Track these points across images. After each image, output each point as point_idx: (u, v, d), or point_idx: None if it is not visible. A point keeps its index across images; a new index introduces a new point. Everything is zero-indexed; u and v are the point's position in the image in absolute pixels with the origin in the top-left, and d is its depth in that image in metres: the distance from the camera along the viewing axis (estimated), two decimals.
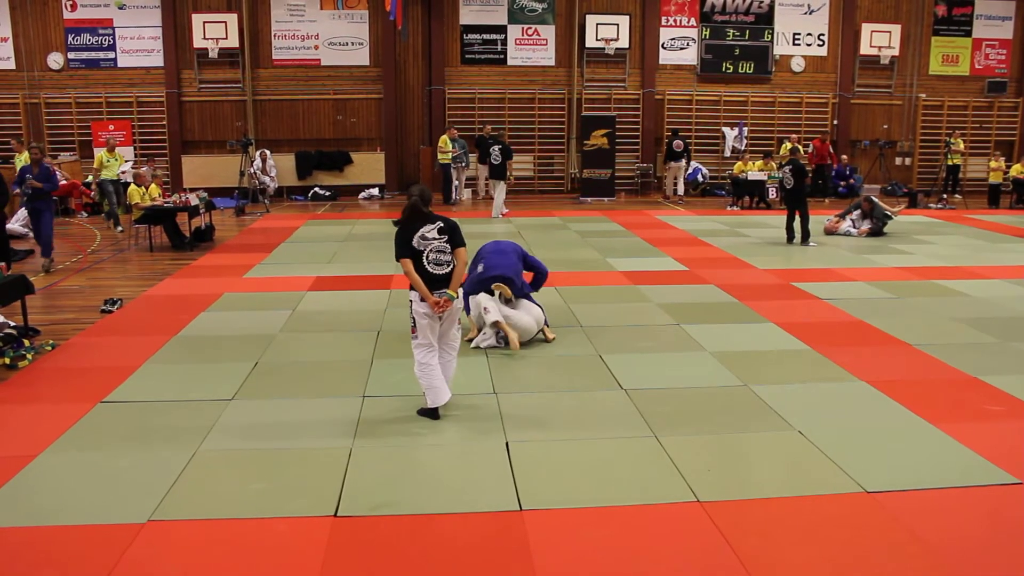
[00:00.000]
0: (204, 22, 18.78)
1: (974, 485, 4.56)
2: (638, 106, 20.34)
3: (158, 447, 5.08)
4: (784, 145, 18.28)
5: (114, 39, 19.05)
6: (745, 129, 20.43)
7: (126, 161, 16.40)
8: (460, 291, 5.59)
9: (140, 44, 19.12)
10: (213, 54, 18.94)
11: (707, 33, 20.26)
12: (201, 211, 13.28)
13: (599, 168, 19.16)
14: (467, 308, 7.23)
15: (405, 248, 5.40)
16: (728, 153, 20.44)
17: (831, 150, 19.58)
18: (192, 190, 14.28)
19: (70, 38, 18.95)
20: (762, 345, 7.31)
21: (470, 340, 7.13)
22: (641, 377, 6.40)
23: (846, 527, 4.12)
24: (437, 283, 5.37)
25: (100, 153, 15.13)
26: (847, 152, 20.78)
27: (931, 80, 21.15)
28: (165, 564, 3.81)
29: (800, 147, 15.20)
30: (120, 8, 18.95)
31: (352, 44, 19.58)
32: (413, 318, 5.45)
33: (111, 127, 18.86)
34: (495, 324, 7.04)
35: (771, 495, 4.45)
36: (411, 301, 5.47)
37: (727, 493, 4.46)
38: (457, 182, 18.56)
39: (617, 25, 19.80)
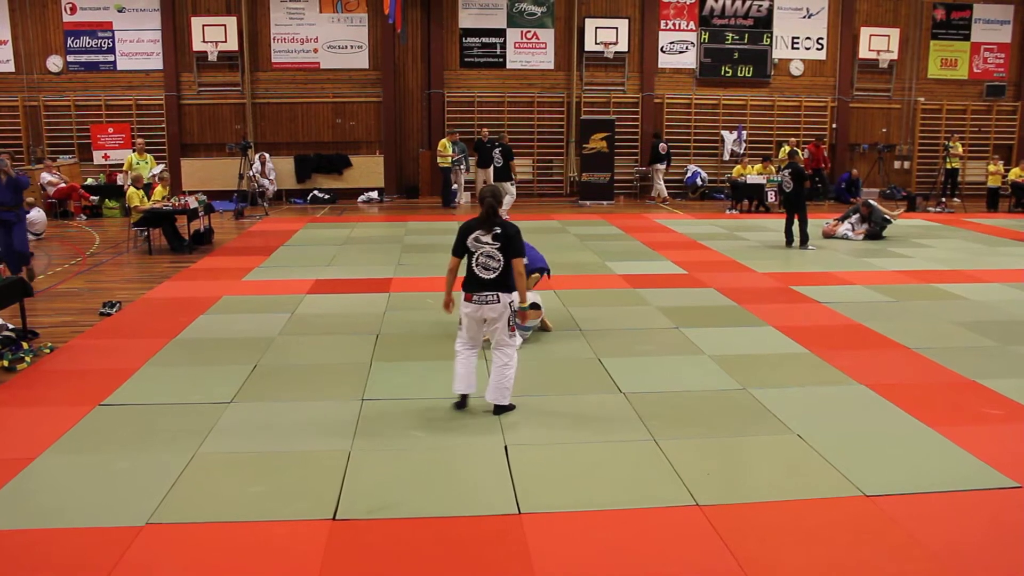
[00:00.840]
0: (203, 25, 18.79)
1: (973, 489, 4.56)
2: (637, 110, 20.36)
3: (157, 450, 5.07)
4: (783, 148, 18.31)
5: (113, 42, 19.05)
6: (744, 133, 20.45)
7: (157, 164, 16.32)
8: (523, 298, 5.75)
9: (139, 47, 19.12)
10: (212, 57, 18.95)
11: (706, 37, 20.28)
12: (200, 214, 13.28)
13: (598, 172, 19.17)
14: None
15: (460, 247, 5.60)
16: (727, 157, 20.46)
17: (826, 154, 19.60)
18: (191, 193, 14.27)
19: (69, 41, 18.95)
20: (761, 349, 7.31)
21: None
22: (640, 380, 6.40)
23: (845, 531, 4.11)
24: (483, 286, 5.53)
25: (130, 156, 15.06)
26: (845, 155, 20.81)
27: (930, 84, 21.18)
28: (164, 567, 3.80)
29: (799, 150, 15.22)
30: (119, 11, 18.96)
31: (351, 47, 19.59)
32: (460, 315, 5.74)
33: (110, 130, 18.88)
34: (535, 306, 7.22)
35: (770, 499, 4.45)
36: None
37: (726, 497, 4.46)
38: (456, 185, 18.57)
39: (616, 29, 19.81)
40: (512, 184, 16.85)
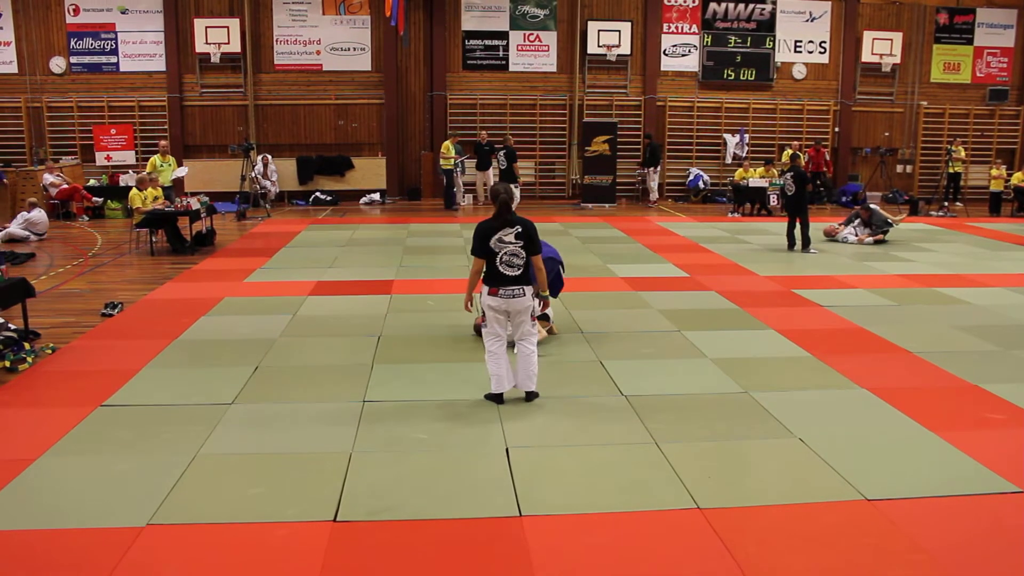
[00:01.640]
0: (206, 27, 18.82)
1: (975, 493, 4.55)
2: (639, 112, 20.37)
3: (158, 451, 5.08)
4: (785, 152, 18.31)
5: (116, 43, 19.09)
6: (746, 136, 20.45)
7: (180, 166, 16.31)
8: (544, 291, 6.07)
9: (142, 49, 19.16)
10: (215, 59, 18.97)
11: (709, 40, 20.29)
12: (202, 215, 13.29)
13: (600, 174, 19.17)
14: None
15: (482, 248, 5.78)
16: (729, 160, 20.47)
17: (827, 158, 19.59)
18: (193, 194, 14.29)
19: (72, 42, 18.99)
20: (763, 352, 7.31)
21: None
22: (642, 383, 6.40)
23: (846, 535, 4.11)
24: (509, 282, 5.78)
25: (153, 158, 15.05)
26: (847, 159, 20.81)
27: (932, 88, 21.18)
28: (164, 568, 3.80)
29: (801, 154, 15.22)
30: (122, 13, 19.00)
31: (354, 49, 19.62)
32: (483, 309, 5.90)
33: (113, 131, 18.91)
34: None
35: (771, 502, 4.45)
36: (480, 293, 5.90)
37: (727, 500, 4.45)
38: (457, 188, 18.58)
39: (619, 32, 19.83)
40: (516, 187, 16.87)
